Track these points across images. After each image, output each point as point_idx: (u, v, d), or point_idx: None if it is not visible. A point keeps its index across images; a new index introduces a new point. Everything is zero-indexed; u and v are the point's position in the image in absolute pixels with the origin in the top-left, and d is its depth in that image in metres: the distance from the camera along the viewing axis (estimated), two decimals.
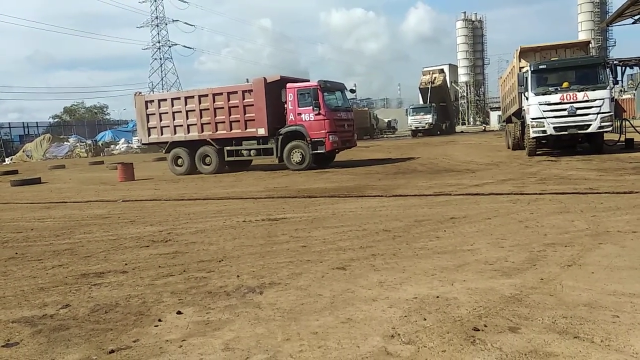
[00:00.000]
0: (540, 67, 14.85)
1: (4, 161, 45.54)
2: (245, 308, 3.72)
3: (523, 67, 16.20)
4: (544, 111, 14.27)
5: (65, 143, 47.27)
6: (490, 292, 3.70)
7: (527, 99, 14.94)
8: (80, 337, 3.35)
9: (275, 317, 3.50)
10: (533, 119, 14.50)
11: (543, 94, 14.37)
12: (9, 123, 55.03)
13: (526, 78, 14.78)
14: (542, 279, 3.94)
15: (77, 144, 46.57)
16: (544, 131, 14.34)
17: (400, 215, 7.04)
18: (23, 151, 47.13)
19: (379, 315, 3.41)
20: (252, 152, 16.69)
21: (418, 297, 3.71)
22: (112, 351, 3.09)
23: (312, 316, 3.46)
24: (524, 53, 17.20)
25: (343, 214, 7.53)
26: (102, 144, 47.63)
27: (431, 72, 46.22)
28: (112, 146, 46.81)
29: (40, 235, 7.35)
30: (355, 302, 3.68)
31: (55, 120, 70.29)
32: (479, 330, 3.04)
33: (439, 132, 42.89)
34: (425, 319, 3.27)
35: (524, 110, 15.82)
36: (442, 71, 47.68)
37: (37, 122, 58.40)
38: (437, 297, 3.67)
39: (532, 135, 14.69)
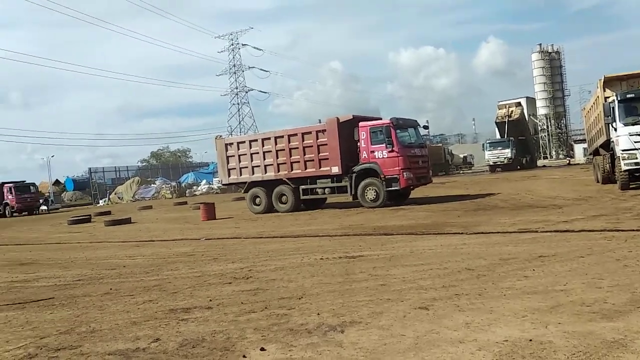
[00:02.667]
0: (628, 96, 13.98)
1: (99, 203, 49.16)
2: (327, 346, 3.69)
3: (608, 97, 15.33)
4: (635, 142, 13.35)
5: (152, 185, 50.39)
6: (589, 336, 3.43)
7: (615, 129, 14.07)
8: None
9: (358, 356, 3.45)
10: (624, 150, 13.59)
11: (633, 124, 13.48)
12: (103, 168, 59.80)
13: (613, 108, 13.97)
14: None
15: (163, 186, 49.44)
16: (638, 163, 13.38)
17: (483, 254, 6.77)
18: (115, 193, 50.72)
19: (467, 358, 3.25)
20: (326, 190, 16.87)
21: (509, 339, 3.50)
22: None
23: (396, 357, 3.37)
24: (609, 82, 16.31)
25: (422, 252, 7.36)
26: (185, 186, 50.19)
27: (507, 106, 44.89)
28: (194, 187, 49.19)
29: (132, 272, 7.79)
30: (441, 344, 3.54)
31: (143, 164, 75.34)
32: None
33: (519, 167, 41.22)
34: None
35: (612, 141, 14.88)
36: (519, 104, 46.18)
37: (127, 166, 62.99)
38: (530, 340, 3.45)
39: (624, 167, 13.73)
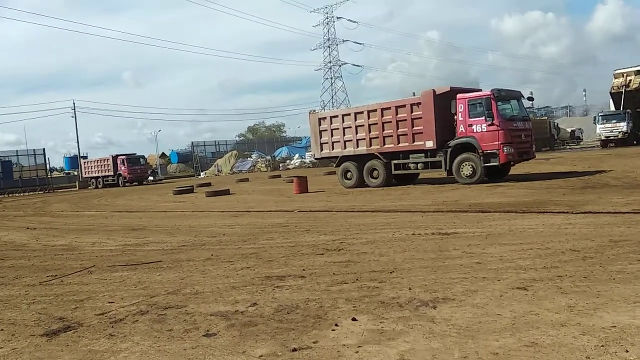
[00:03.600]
0: None
1: (200, 175, 52.25)
2: (419, 321, 3.66)
3: None
4: None
5: (248, 159, 52.57)
6: None
7: None
8: (266, 334, 3.65)
9: (451, 333, 3.38)
10: None
11: None
12: (204, 142, 63.25)
13: None
14: None
15: (258, 160, 51.39)
16: None
17: (590, 235, 6.29)
18: (214, 166, 53.58)
19: (570, 342, 3.07)
20: (419, 165, 16.51)
21: (617, 325, 3.25)
22: (295, 350, 3.30)
23: (491, 336, 3.27)
24: None
25: (522, 230, 7.00)
26: (279, 159, 51.74)
27: (625, 75, 40.65)
28: (287, 161, 50.56)
29: (231, 240, 8.23)
30: (540, 326, 3.37)
31: (241, 138, 78.65)
32: None
33: (635, 142, 37.48)
34: (627, 351, 2.86)
35: None
36: (639, 72, 41.71)
37: (226, 141, 66.12)
38: None
39: None
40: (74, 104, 54.56)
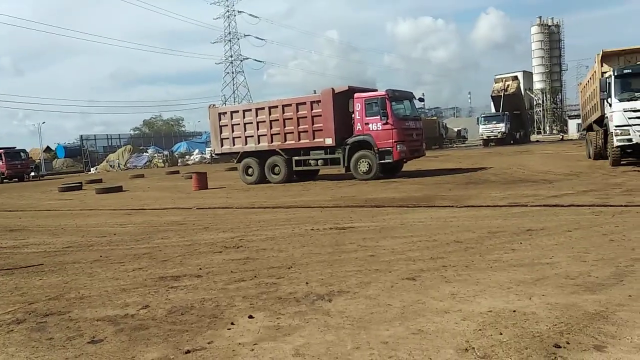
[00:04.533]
0: (625, 71, 13.92)
1: (90, 170, 48.89)
2: (315, 315, 3.73)
3: (605, 72, 15.25)
4: (629, 118, 13.37)
5: (144, 154, 50.07)
6: (572, 308, 3.48)
7: (610, 105, 14.06)
8: (158, 337, 3.50)
9: (345, 325, 3.49)
10: (617, 126, 13.61)
11: (628, 100, 13.46)
12: (95, 135, 59.09)
13: (609, 83, 13.92)
14: (631, 296, 3.66)
15: (155, 155, 49.16)
16: (630, 139, 13.42)
17: (472, 227, 6.82)
18: (106, 161, 50.41)
19: (452, 327, 3.30)
20: (319, 161, 16.83)
21: (493, 310, 3.56)
22: (188, 351, 3.20)
23: (382, 326, 3.42)
24: (607, 57, 16.21)
25: (412, 224, 7.40)
26: (177, 155, 49.93)
27: (504, 80, 44.62)
28: (186, 157, 48.96)
29: (122, 240, 7.79)
30: (427, 314, 3.59)
31: (136, 132, 74.69)
32: (560, 347, 2.87)
33: (512, 142, 41.24)
34: (501, 334, 3.13)
35: (606, 117, 14.89)
36: (515, 78, 45.90)
37: (119, 134, 62.33)
38: (514, 311, 3.50)
39: (617, 143, 13.78)
40: None
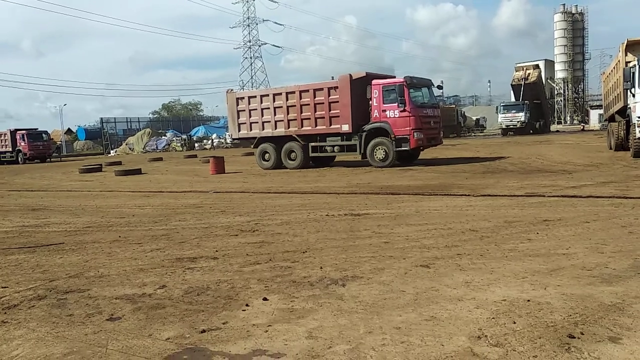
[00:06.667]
0: None
1: (110, 153, 49.53)
2: (328, 299, 3.77)
3: (630, 62, 14.89)
4: None
5: (163, 137, 50.50)
6: (587, 299, 3.46)
7: (633, 95, 13.75)
8: (174, 316, 3.58)
9: (358, 309, 3.52)
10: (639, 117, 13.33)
11: None
12: (115, 118, 59.67)
13: (633, 73, 13.61)
14: None
15: (174, 139, 49.54)
16: None
17: (488, 216, 6.78)
18: (126, 144, 50.99)
19: (465, 315, 3.31)
20: (335, 148, 16.82)
21: (507, 299, 3.55)
22: (204, 331, 3.27)
23: (395, 311, 3.44)
24: (631, 46, 15.80)
25: (427, 212, 7.39)
26: (195, 139, 50.24)
27: (525, 68, 43.84)
28: (204, 141, 49.22)
29: (140, 221, 7.92)
30: (440, 301, 3.60)
31: (155, 116, 75.20)
32: (574, 337, 2.86)
33: (531, 131, 40.61)
34: (514, 322, 3.13)
35: (629, 108, 14.57)
36: (537, 67, 45.05)
37: (138, 118, 62.83)
38: (528, 300, 3.49)
39: (638, 135, 13.51)
40: None
